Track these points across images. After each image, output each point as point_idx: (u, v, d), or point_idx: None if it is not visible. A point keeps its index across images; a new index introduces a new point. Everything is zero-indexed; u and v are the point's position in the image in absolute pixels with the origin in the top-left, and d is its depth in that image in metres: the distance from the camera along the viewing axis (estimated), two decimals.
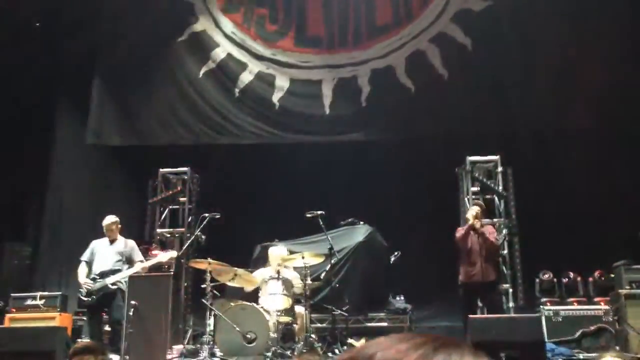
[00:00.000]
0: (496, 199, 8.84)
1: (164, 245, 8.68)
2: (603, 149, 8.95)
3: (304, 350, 6.42)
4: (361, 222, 8.93)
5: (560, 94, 9.33)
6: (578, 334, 7.33)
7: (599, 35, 9.21)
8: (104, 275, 6.94)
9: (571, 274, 8.04)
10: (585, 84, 9.01)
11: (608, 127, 8.98)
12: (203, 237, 7.76)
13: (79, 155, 10.23)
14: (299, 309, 7.07)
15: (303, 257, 7.18)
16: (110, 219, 7.23)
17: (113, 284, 6.90)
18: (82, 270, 7.09)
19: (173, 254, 7.35)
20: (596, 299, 7.80)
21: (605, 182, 8.73)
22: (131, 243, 7.30)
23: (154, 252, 7.80)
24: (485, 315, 6.97)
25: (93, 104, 10.04)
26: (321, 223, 7.43)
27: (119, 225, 7.28)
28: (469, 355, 0.65)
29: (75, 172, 10.21)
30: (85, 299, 6.88)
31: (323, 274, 7.65)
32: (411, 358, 0.63)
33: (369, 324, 8.30)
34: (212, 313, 6.74)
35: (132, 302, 6.56)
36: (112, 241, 7.21)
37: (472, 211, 7.39)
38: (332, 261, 7.51)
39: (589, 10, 9.27)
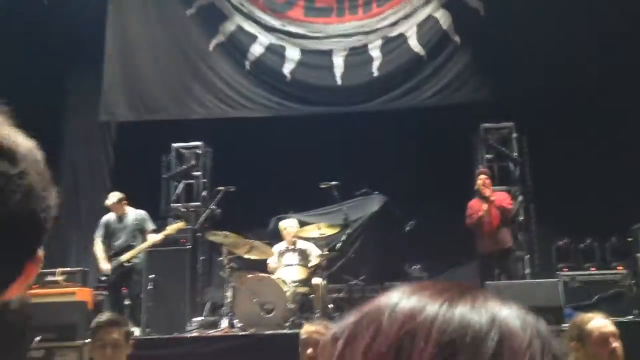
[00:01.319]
0: (511, 165, 8.77)
1: (180, 220, 8.75)
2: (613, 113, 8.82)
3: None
4: (376, 192, 8.93)
5: (573, 57, 9.16)
6: (595, 298, 7.32)
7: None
8: (118, 252, 7.03)
9: (588, 239, 8.00)
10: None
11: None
12: (218, 210, 7.81)
13: (92, 132, 10.28)
14: (316, 280, 7.12)
15: (319, 228, 7.21)
16: (113, 198, 7.28)
17: (128, 261, 7.00)
18: (98, 248, 7.18)
19: (181, 224, 7.41)
20: (614, 264, 7.76)
21: (621, 145, 8.62)
22: (141, 214, 7.37)
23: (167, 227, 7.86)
24: (504, 282, 6.99)
25: (104, 81, 10.03)
26: (335, 193, 7.43)
27: (125, 200, 7.33)
28: (492, 299, 0.65)
29: (89, 149, 10.26)
30: (104, 277, 7.00)
31: (339, 245, 7.68)
32: (436, 302, 0.63)
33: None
34: (230, 285, 6.81)
35: (151, 276, 6.65)
36: (120, 216, 7.27)
37: (479, 179, 7.37)
38: (348, 231, 7.53)
39: None
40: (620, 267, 7.62)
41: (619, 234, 7.87)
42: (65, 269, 7.95)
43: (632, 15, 8.75)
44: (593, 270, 7.70)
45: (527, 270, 8.28)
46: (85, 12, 9.87)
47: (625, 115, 8.77)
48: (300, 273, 7.01)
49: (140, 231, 7.20)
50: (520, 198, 8.52)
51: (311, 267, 7.16)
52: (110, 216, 7.32)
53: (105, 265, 7.06)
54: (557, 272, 7.71)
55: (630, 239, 7.65)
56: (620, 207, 8.03)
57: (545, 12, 9.35)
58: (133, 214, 7.32)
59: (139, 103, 10.05)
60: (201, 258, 8.37)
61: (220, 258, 7.12)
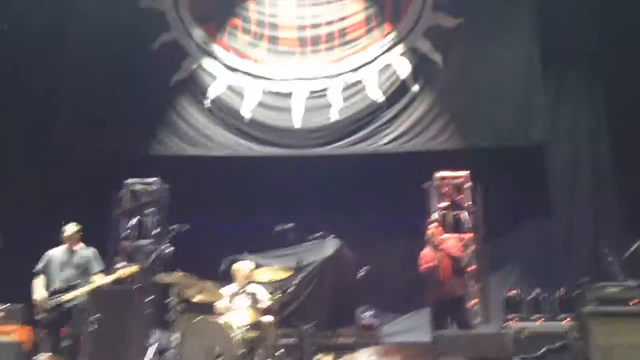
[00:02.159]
0: (465, 214, 8.89)
1: (130, 258, 8.52)
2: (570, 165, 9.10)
3: None
4: (330, 236, 8.90)
5: (525, 109, 9.48)
6: (543, 350, 7.38)
7: None
8: (60, 290, 6.73)
9: (537, 291, 8.10)
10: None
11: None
12: (170, 249, 7.64)
13: (38, 162, 9.98)
14: (266, 324, 6.98)
15: (271, 272, 7.12)
16: (72, 228, 7.04)
17: (70, 300, 6.71)
18: (38, 284, 6.84)
19: (134, 268, 7.16)
20: (561, 316, 7.87)
21: (570, 199, 8.86)
22: (91, 252, 7.10)
23: (117, 265, 7.62)
24: (453, 331, 6.99)
25: (60, 110, 9.84)
26: (290, 236, 7.38)
27: (80, 234, 7.10)
28: None
29: (36, 180, 9.96)
30: (42, 315, 6.66)
31: (291, 289, 7.58)
32: None
33: (337, 340, 8.24)
34: (178, 328, 6.62)
35: (93, 317, 6.40)
36: (71, 251, 7.01)
37: (430, 228, 7.45)
38: (301, 275, 7.45)
39: (555, 30, 9.44)
40: (568, 320, 7.72)
41: (566, 286, 8.01)
42: (4, 306, 7.61)
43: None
44: (541, 322, 7.78)
45: (479, 320, 8.32)
46: (44, 40, 9.72)
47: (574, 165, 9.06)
48: (250, 317, 6.87)
49: (85, 270, 6.93)
50: (472, 247, 8.61)
51: (262, 311, 7.03)
52: (57, 250, 7.03)
53: (40, 297, 6.67)
54: (506, 323, 7.77)
55: (577, 292, 7.78)
56: (569, 260, 8.21)
57: (502, 63, 9.67)
58: (83, 251, 7.06)
59: (92, 135, 9.86)
60: (149, 298, 8.12)
61: (169, 299, 6.92)
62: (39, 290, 6.75)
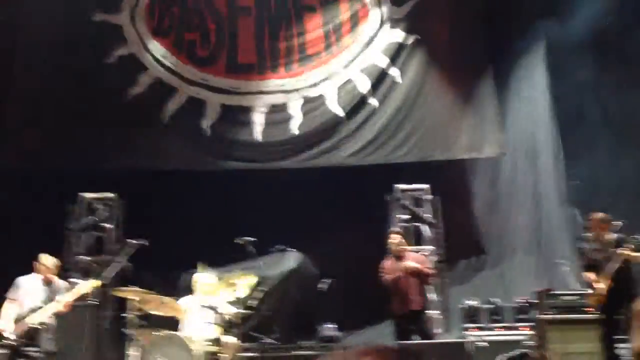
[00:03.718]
0: (425, 227, 9.00)
1: (87, 274, 8.29)
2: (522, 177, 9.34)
3: None
4: (292, 250, 8.88)
5: (480, 123, 9.72)
6: (502, 359, 7.50)
7: None
8: (24, 315, 6.51)
9: (496, 300, 8.25)
10: None
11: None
12: (128, 264, 7.48)
13: None
14: (227, 338, 6.89)
15: (232, 285, 7.04)
16: (50, 263, 6.79)
17: (39, 323, 6.48)
18: (5, 310, 6.60)
19: (94, 282, 6.97)
20: (518, 325, 8.02)
21: (527, 208, 9.09)
22: (60, 284, 6.89)
23: (73, 281, 7.39)
24: (415, 342, 7.04)
25: (9, 123, 9.57)
26: (251, 249, 7.32)
27: (59, 268, 6.88)
28: None
29: None
30: (10, 342, 6.42)
31: (253, 302, 7.51)
32: None
33: (299, 352, 8.18)
34: (136, 344, 6.47)
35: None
36: (46, 282, 6.78)
37: (393, 240, 7.51)
38: (262, 288, 7.39)
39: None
40: (525, 328, 7.88)
41: (524, 295, 8.18)
42: None
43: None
44: (500, 331, 7.92)
45: (439, 330, 8.41)
46: None
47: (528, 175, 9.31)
48: (211, 331, 6.77)
49: (54, 299, 6.69)
50: (432, 258, 8.72)
51: (223, 324, 6.92)
52: (31, 279, 6.79)
53: (7, 327, 6.47)
54: (465, 332, 7.89)
55: (534, 301, 7.96)
56: (527, 270, 8.39)
57: (457, 78, 9.90)
58: (57, 283, 6.84)
59: (46, 150, 9.62)
60: (106, 314, 7.92)
61: (127, 314, 6.76)
62: (5, 318, 6.51)
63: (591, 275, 6.89)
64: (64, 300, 6.57)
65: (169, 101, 10.15)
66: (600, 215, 6.99)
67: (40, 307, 6.54)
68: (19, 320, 6.49)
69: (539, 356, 7.48)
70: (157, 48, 10.33)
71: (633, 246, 6.51)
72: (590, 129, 8.84)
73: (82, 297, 6.89)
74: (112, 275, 7.55)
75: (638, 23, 8.77)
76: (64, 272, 7.35)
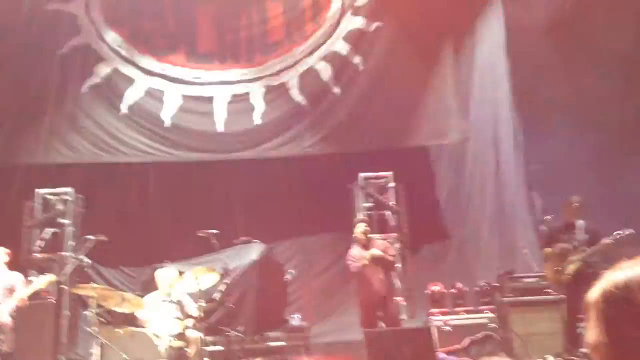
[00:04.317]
0: (389, 214, 9.02)
1: (44, 271, 8.07)
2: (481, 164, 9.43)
3: None
4: (255, 241, 8.80)
5: (442, 110, 9.75)
6: (466, 342, 7.59)
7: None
8: None
9: (459, 285, 8.33)
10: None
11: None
12: (87, 260, 7.31)
13: None
14: (192, 332, 6.80)
15: (196, 278, 6.94)
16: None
17: None
18: None
19: (51, 277, 6.79)
20: (482, 308, 8.12)
21: (489, 193, 9.19)
22: (16, 276, 6.70)
23: (30, 278, 7.19)
24: (380, 329, 7.06)
25: None
26: (214, 242, 7.23)
27: (8, 257, 6.67)
28: None
29: None
30: None
31: (217, 295, 7.43)
32: None
33: (266, 344, 8.15)
34: (98, 340, 6.33)
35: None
36: None
37: (359, 228, 7.50)
38: (226, 281, 7.32)
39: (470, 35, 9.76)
40: (488, 311, 7.98)
41: (486, 279, 8.28)
42: None
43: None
44: (463, 314, 8.01)
45: (404, 316, 8.45)
46: None
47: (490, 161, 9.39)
48: (175, 326, 6.67)
49: (11, 293, 6.50)
50: (397, 245, 8.74)
51: (187, 319, 6.83)
52: None
53: None
54: (430, 317, 7.95)
55: (497, 284, 8.06)
56: (487, 254, 8.49)
57: (419, 65, 9.89)
58: (7, 275, 6.64)
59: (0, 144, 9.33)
60: (65, 312, 7.74)
61: (87, 312, 6.62)
62: None
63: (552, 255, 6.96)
64: (19, 296, 6.40)
65: (126, 92, 9.93)
66: (574, 199, 7.05)
67: None
68: None
69: (502, 338, 7.59)
70: (113, 38, 10.07)
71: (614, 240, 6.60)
72: (549, 113, 8.95)
73: (39, 295, 6.71)
74: (70, 272, 7.38)
75: (595, 7, 8.88)
76: (20, 270, 7.13)
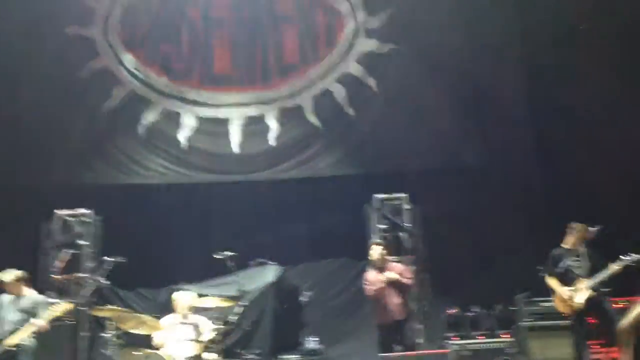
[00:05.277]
0: (404, 236, 9.00)
1: (62, 293, 8.11)
2: (498, 186, 9.41)
3: None
4: (271, 263, 8.81)
5: (458, 132, 9.76)
6: None
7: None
8: (5, 336, 6.37)
9: (476, 308, 8.28)
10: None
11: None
12: (105, 283, 7.34)
13: None
14: (208, 355, 6.80)
15: (212, 301, 6.96)
16: (10, 275, 6.63)
17: (15, 345, 6.34)
18: None
19: (68, 305, 6.79)
20: (500, 332, 8.06)
21: (504, 217, 9.14)
22: (39, 299, 6.74)
23: (50, 300, 7.21)
24: (398, 353, 7.03)
25: None
26: (230, 264, 7.24)
27: (24, 281, 6.71)
28: None
29: None
30: None
31: (233, 317, 7.42)
32: None
33: None
34: None
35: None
36: (17, 296, 6.63)
37: (375, 251, 7.49)
38: (243, 303, 7.31)
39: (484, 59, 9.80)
40: (506, 335, 7.92)
41: (504, 302, 8.22)
42: None
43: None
44: (481, 339, 7.95)
45: (421, 340, 8.40)
46: None
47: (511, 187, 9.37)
48: (192, 349, 6.67)
49: (33, 315, 6.53)
50: (413, 268, 8.71)
51: (204, 342, 6.84)
52: (5, 296, 6.65)
53: None
54: (447, 341, 7.89)
55: (514, 308, 8.01)
56: (506, 277, 8.43)
57: (434, 87, 9.90)
58: (29, 297, 6.68)
59: (17, 167, 9.44)
60: (83, 334, 7.75)
61: (105, 334, 6.64)
62: None
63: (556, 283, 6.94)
64: (39, 323, 6.43)
65: (143, 114, 10.06)
66: (580, 225, 7.04)
67: (16, 329, 6.41)
68: None
69: None
70: (130, 60, 10.22)
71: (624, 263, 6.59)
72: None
73: (59, 318, 6.74)
74: (88, 294, 7.41)
75: None
76: (38, 292, 7.16)
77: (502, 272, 8.62)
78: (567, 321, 7.16)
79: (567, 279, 6.94)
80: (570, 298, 6.83)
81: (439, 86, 9.86)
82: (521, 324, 7.67)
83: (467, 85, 9.78)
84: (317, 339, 8.32)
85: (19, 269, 6.79)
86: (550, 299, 7.44)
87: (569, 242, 7.09)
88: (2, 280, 6.62)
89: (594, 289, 6.78)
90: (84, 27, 10.08)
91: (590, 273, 6.85)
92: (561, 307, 7.01)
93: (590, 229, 7.06)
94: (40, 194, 9.04)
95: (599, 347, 7.19)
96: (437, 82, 9.86)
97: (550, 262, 7.01)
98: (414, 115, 9.84)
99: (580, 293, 6.80)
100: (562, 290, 6.91)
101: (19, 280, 6.65)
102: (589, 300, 6.75)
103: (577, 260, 6.97)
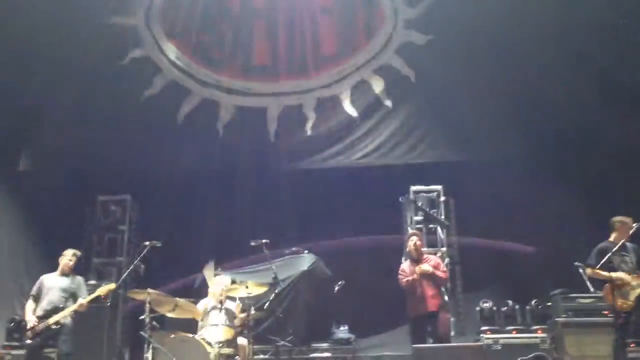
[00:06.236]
0: (439, 228, 8.95)
1: (102, 275, 8.36)
2: (539, 179, 9.23)
3: None
4: (306, 251, 8.87)
5: (496, 123, 9.59)
6: None
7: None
8: (47, 314, 6.66)
9: (510, 303, 8.19)
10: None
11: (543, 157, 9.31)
12: (142, 266, 7.51)
13: (10, 182, 9.75)
14: (242, 340, 6.90)
15: (247, 287, 7.04)
16: (70, 254, 6.95)
17: (56, 322, 6.63)
18: (29, 307, 6.84)
19: (111, 286, 7.05)
20: (534, 327, 7.96)
21: (542, 211, 8.98)
22: (79, 279, 7.04)
23: (90, 282, 7.47)
24: (431, 345, 7.00)
25: (28, 129, 9.68)
26: (266, 251, 7.32)
27: (76, 260, 7.00)
28: None
29: (6, 199, 9.73)
30: (30, 340, 6.58)
31: (267, 304, 7.51)
32: None
33: (312, 355, 8.18)
34: (151, 345, 6.49)
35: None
36: (62, 275, 6.92)
37: (411, 242, 7.45)
38: (276, 291, 7.39)
39: (524, 48, 9.60)
40: (540, 331, 7.81)
41: (539, 297, 8.10)
42: None
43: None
44: (514, 334, 7.87)
45: (453, 333, 8.36)
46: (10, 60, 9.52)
47: (545, 185, 9.19)
48: (225, 333, 6.76)
49: (72, 296, 6.85)
50: (446, 260, 8.67)
51: (237, 327, 6.94)
52: (50, 275, 6.97)
53: (31, 322, 6.68)
54: (481, 335, 7.83)
55: (549, 304, 7.88)
56: (542, 271, 8.31)
57: (472, 80, 9.77)
58: (71, 277, 7.00)
59: (62, 152, 9.72)
60: (122, 316, 7.98)
61: (142, 316, 6.80)
62: (29, 314, 6.76)
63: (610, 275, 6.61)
64: (80, 302, 6.67)
65: (183, 102, 10.21)
66: (628, 219, 6.77)
67: (60, 307, 6.66)
68: (39, 319, 6.62)
69: (554, 359, 7.41)
70: (171, 50, 10.38)
71: None
72: None
73: (98, 299, 6.96)
74: (126, 277, 7.61)
75: None
76: (79, 274, 7.40)
77: (537, 267, 8.49)
78: (607, 318, 6.93)
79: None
80: (625, 296, 6.46)
81: (477, 77, 9.69)
82: (557, 320, 7.55)
83: (507, 75, 9.59)
84: (346, 328, 8.37)
85: (64, 251, 7.06)
86: (588, 295, 7.28)
87: (615, 237, 6.71)
88: (64, 257, 6.89)
89: None
90: (126, 16, 10.27)
91: (638, 268, 6.57)
92: (612, 300, 6.38)
93: (635, 224, 6.78)
94: (84, 179, 9.28)
95: (634, 345, 7.00)
96: (476, 73, 9.70)
97: (594, 256, 6.69)
98: (451, 106, 9.72)
99: (634, 291, 6.49)
100: (621, 275, 6.44)
101: (75, 258, 6.92)
102: (638, 298, 6.46)
103: (625, 255, 6.70)
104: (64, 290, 6.84)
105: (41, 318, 6.66)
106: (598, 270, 6.48)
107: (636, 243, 6.69)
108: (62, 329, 6.67)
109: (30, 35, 9.54)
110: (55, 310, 6.70)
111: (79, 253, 7.04)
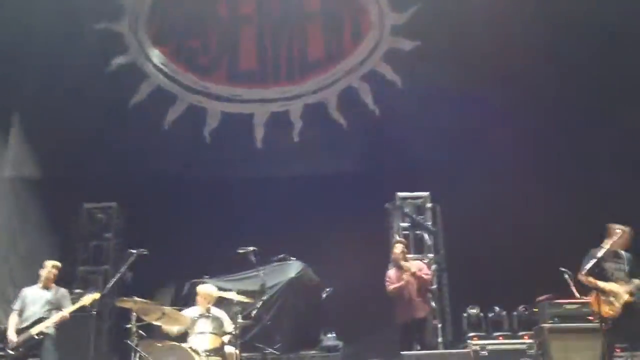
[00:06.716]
0: (425, 235, 8.98)
1: (87, 284, 8.28)
2: (526, 184, 9.29)
3: None
4: (293, 258, 8.85)
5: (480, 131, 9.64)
6: None
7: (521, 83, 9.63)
8: (30, 325, 6.60)
9: (497, 309, 8.23)
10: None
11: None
12: (129, 274, 7.46)
13: None
14: (229, 349, 6.87)
15: (234, 295, 7.02)
16: (50, 265, 6.90)
17: (39, 333, 6.57)
18: (12, 320, 6.79)
19: (95, 295, 6.98)
20: (521, 333, 8.00)
21: (529, 218, 9.03)
22: (62, 291, 7.00)
23: (76, 290, 7.41)
24: (418, 352, 7.02)
25: (12, 136, 9.59)
26: (253, 259, 7.30)
27: (58, 270, 6.94)
28: None
29: None
30: (12, 352, 6.52)
31: (254, 312, 7.49)
32: None
33: None
34: (138, 354, 6.44)
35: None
36: (44, 288, 6.86)
37: (397, 249, 7.47)
38: (264, 298, 7.37)
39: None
40: (527, 337, 7.86)
41: (525, 304, 8.14)
42: None
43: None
44: (501, 340, 7.90)
45: (440, 339, 8.38)
46: None
47: (532, 190, 9.26)
48: (213, 342, 6.73)
49: (57, 308, 6.79)
50: (433, 267, 8.69)
51: (225, 335, 6.91)
52: (32, 288, 6.91)
53: (13, 337, 6.62)
54: (467, 341, 7.86)
55: (536, 310, 7.92)
56: (528, 278, 8.35)
57: (455, 86, 9.81)
58: (54, 289, 6.94)
59: (47, 159, 9.64)
60: (106, 325, 7.91)
61: (128, 325, 6.74)
62: (10, 327, 6.71)
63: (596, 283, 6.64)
64: (63, 314, 6.63)
65: (169, 109, 10.17)
66: (627, 228, 6.77)
67: (43, 318, 6.60)
68: (22, 331, 6.56)
69: None
70: (157, 56, 10.35)
71: None
72: None
73: (83, 308, 6.91)
74: (112, 285, 7.53)
75: None
76: (65, 283, 7.34)
77: (523, 273, 8.54)
78: (593, 324, 6.95)
79: (603, 280, 6.55)
80: (613, 303, 6.52)
81: (466, 83, 9.74)
82: (543, 326, 7.59)
83: (496, 80, 9.65)
84: (334, 335, 8.36)
85: (48, 259, 7.00)
86: (574, 301, 7.32)
87: (610, 243, 6.63)
88: (45, 272, 6.85)
89: (631, 294, 6.55)
90: (112, 22, 10.22)
91: (630, 277, 6.57)
92: (598, 307, 6.41)
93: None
94: (69, 187, 9.21)
95: (620, 350, 7.07)
96: (465, 79, 9.74)
97: (586, 260, 6.67)
98: (439, 113, 9.76)
99: (622, 299, 6.55)
100: (610, 286, 6.50)
101: (56, 270, 6.86)
102: (625, 305, 6.53)
103: (618, 263, 6.69)
104: (48, 302, 6.79)
105: (24, 330, 6.60)
106: (591, 279, 6.51)
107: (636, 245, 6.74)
108: (44, 339, 6.62)
109: (14, 42, 9.46)
110: (39, 321, 6.65)
111: (59, 264, 6.98)
